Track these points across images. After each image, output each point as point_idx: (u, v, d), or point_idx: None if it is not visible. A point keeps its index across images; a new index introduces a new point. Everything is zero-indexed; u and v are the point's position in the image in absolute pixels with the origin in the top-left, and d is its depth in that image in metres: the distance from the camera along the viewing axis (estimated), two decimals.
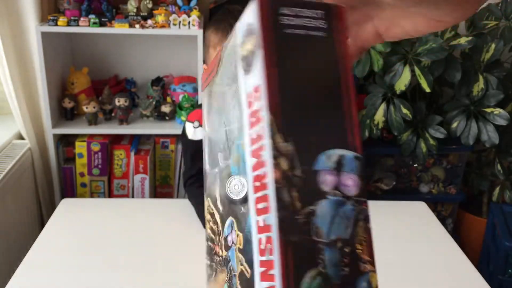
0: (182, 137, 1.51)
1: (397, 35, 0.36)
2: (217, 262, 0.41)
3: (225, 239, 0.38)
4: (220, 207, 0.41)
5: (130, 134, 2.13)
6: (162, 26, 1.92)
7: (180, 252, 1.18)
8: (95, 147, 2.02)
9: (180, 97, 2.10)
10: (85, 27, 1.88)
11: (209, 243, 0.45)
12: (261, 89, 0.31)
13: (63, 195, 2.06)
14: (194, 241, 1.22)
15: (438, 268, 1.16)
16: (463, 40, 1.92)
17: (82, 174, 2.06)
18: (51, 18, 1.86)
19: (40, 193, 2.07)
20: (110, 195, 2.10)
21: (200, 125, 1.44)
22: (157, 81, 2.18)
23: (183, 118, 2.02)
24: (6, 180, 1.73)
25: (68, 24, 1.87)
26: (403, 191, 2.28)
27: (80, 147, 2.03)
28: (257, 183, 0.31)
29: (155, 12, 1.96)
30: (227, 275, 0.38)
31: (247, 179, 0.33)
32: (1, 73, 1.86)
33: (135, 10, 1.99)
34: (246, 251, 0.34)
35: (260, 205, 0.31)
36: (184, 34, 1.94)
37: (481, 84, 1.98)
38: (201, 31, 1.89)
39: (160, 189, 2.20)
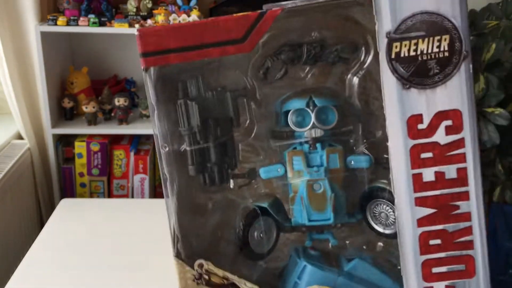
0: None
1: None
2: None
3: None
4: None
5: (130, 134, 2.13)
6: None
7: None
8: (95, 147, 2.01)
9: None
10: (85, 27, 1.87)
11: None
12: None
13: (63, 195, 2.06)
14: None
15: None
16: None
17: (81, 174, 2.06)
18: (51, 17, 1.86)
19: (40, 193, 2.06)
20: (110, 195, 2.10)
21: None
22: None
23: None
24: (5, 180, 1.73)
25: (68, 23, 1.86)
26: None
27: (80, 147, 2.02)
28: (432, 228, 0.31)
29: (154, 12, 1.95)
30: None
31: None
32: (0, 73, 1.86)
33: (134, 10, 1.98)
34: None
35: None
36: None
37: (481, 84, 1.98)
38: None
39: (160, 189, 2.19)
